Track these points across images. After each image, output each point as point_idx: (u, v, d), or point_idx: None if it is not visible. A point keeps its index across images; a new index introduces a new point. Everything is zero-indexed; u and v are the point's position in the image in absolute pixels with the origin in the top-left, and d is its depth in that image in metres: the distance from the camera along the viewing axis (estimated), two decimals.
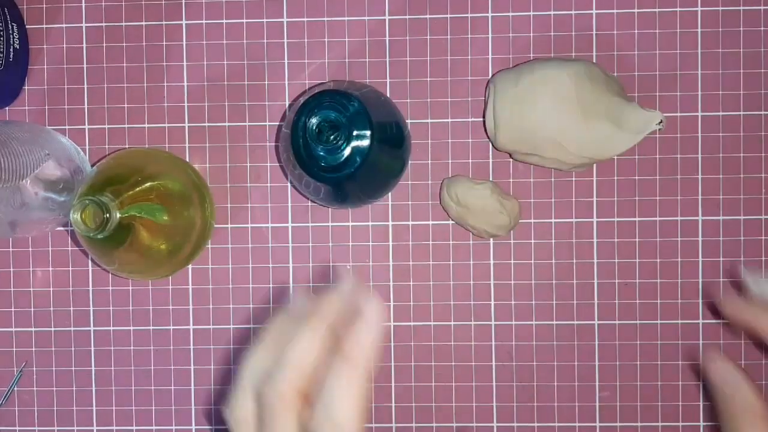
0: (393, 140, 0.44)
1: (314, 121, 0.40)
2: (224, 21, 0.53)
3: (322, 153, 0.41)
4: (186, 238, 0.47)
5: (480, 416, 0.52)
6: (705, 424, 0.52)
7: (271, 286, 0.53)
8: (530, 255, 0.52)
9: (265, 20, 0.52)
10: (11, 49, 0.50)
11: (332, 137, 0.40)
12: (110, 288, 0.53)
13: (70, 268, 0.53)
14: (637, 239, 0.52)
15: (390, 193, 0.52)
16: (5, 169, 0.43)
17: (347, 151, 0.41)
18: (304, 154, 0.41)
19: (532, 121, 0.47)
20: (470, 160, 0.52)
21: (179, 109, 0.53)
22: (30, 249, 0.53)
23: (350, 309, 0.31)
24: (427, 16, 0.52)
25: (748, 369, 0.52)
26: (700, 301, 0.52)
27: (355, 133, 0.40)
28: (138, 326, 0.53)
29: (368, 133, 0.40)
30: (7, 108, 0.53)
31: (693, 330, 0.52)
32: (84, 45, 0.53)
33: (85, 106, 0.53)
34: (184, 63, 0.53)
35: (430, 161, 0.52)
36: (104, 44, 0.53)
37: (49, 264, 0.53)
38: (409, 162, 0.52)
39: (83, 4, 0.53)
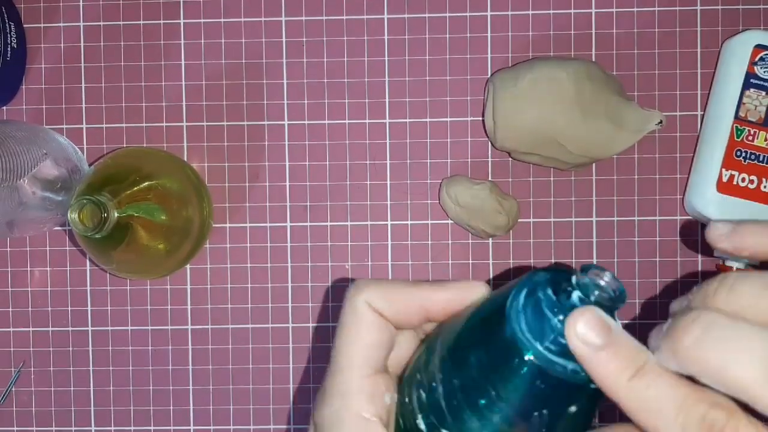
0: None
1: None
2: (222, 20, 0.52)
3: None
4: (184, 237, 0.47)
5: None
6: None
7: (269, 285, 0.53)
8: (529, 254, 0.52)
9: (263, 19, 0.52)
10: (8, 48, 0.50)
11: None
12: (108, 288, 0.53)
13: (68, 268, 0.53)
14: (636, 238, 0.52)
15: (389, 193, 0.52)
16: (2, 169, 0.43)
17: None
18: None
19: (532, 121, 0.47)
20: (469, 160, 0.52)
21: (177, 109, 0.53)
22: (28, 249, 0.53)
23: None
24: (426, 15, 0.52)
25: None
26: None
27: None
28: (136, 326, 0.53)
29: None
30: (4, 107, 0.53)
31: None
32: (82, 44, 0.53)
33: (83, 105, 0.53)
34: (182, 62, 0.53)
35: (429, 160, 0.52)
36: (102, 43, 0.53)
37: (46, 264, 0.53)
38: (409, 162, 0.52)
39: (81, 3, 0.53)
